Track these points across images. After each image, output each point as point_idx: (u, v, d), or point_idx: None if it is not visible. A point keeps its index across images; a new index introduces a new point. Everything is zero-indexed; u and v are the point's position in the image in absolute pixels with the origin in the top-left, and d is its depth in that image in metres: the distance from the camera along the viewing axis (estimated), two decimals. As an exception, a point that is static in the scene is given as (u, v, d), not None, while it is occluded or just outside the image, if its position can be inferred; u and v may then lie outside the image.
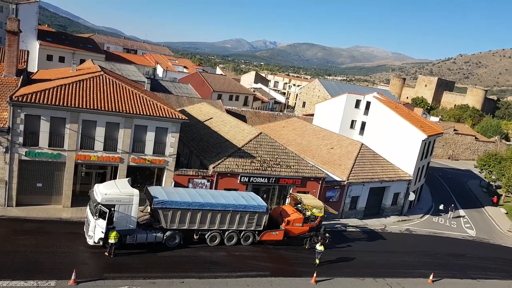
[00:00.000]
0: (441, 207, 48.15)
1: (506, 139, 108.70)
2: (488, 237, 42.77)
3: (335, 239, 30.95)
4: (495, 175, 62.61)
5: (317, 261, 26.10)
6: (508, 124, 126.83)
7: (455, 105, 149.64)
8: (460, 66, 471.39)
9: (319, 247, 25.96)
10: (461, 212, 49.51)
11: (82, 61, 58.63)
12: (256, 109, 76.10)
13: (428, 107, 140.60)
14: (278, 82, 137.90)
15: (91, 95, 27.12)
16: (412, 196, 43.27)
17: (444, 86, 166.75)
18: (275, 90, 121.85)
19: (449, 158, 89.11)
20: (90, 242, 22.79)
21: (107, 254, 22.31)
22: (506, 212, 54.01)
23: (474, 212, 51.57)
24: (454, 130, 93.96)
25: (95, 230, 22.48)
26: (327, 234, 29.75)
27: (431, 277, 27.97)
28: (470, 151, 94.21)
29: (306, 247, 28.86)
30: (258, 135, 34.69)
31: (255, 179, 32.11)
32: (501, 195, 59.99)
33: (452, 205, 48.36)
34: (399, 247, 33.88)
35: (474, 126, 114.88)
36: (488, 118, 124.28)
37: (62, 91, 26.32)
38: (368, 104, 48.57)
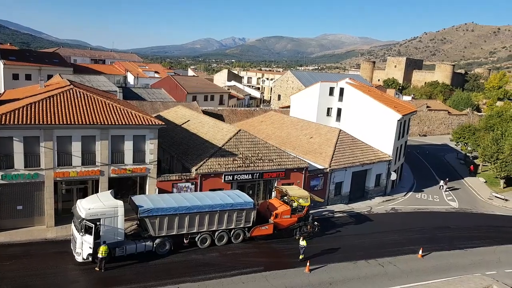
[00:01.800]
0: (441, 183, 50.54)
1: (478, 110, 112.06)
2: (470, 207, 44.11)
3: (324, 226, 31.39)
4: (471, 146, 64.56)
5: (301, 256, 25.60)
6: (477, 95, 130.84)
7: (425, 82, 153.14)
8: (426, 44, 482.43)
9: (302, 242, 25.61)
10: (442, 184, 50.86)
11: (49, 76, 57.10)
12: (232, 106, 75.95)
13: (400, 87, 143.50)
14: (251, 77, 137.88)
15: (63, 110, 26.52)
16: (393, 176, 44.17)
17: (413, 65, 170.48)
18: (249, 86, 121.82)
19: (419, 135, 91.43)
20: (79, 259, 22.39)
21: (97, 269, 21.96)
22: (485, 181, 55.80)
23: (455, 184, 53.02)
24: (427, 107, 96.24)
25: (83, 246, 22.10)
26: (315, 223, 30.17)
27: (420, 252, 28.69)
28: (445, 126, 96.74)
29: (297, 237, 29.07)
30: (237, 133, 34.69)
31: (239, 177, 32.14)
32: (478, 165, 61.89)
33: (447, 178, 51.42)
34: (386, 226, 34.55)
35: (445, 101, 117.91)
36: (458, 91, 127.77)
37: (33, 109, 25.66)
38: (341, 90, 49.17)
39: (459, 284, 24.60)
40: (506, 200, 47.43)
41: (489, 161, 53.29)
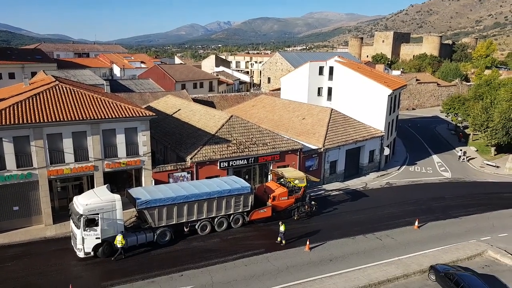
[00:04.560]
0: (460, 153, 52.50)
1: (466, 80, 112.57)
2: (463, 176, 44.77)
3: (321, 205, 31.77)
4: (461, 117, 65.08)
5: (283, 242, 25.25)
6: (466, 65, 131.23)
7: (413, 55, 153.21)
8: (413, 16, 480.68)
9: (281, 228, 25.25)
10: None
11: (33, 73, 56.10)
12: (222, 92, 75.55)
13: (389, 62, 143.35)
14: (239, 62, 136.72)
15: (51, 107, 26.23)
16: (387, 151, 44.56)
17: (401, 38, 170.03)
18: (238, 70, 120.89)
19: (407, 109, 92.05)
20: (81, 254, 22.53)
21: (113, 259, 22.74)
22: (476, 149, 56.49)
23: (447, 155, 53.71)
24: (417, 80, 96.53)
25: (85, 242, 22.23)
26: (313, 202, 30.49)
27: (416, 223, 29.22)
28: (434, 98, 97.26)
29: (296, 218, 29.47)
30: (229, 119, 34.62)
31: (234, 163, 32.22)
32: (469, 134, 62.53)
33: (465, 150, 53.56)
34: (382, 201, 35.00)
35: (434, 73, 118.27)
36: (446, 62, 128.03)
37: (20, 108, 25.34)
38: (331, 69, 49.05)
39: (456, 251, 25.18)
40: (498, 167, 48.19)
41: (480, 129, 53.87)
